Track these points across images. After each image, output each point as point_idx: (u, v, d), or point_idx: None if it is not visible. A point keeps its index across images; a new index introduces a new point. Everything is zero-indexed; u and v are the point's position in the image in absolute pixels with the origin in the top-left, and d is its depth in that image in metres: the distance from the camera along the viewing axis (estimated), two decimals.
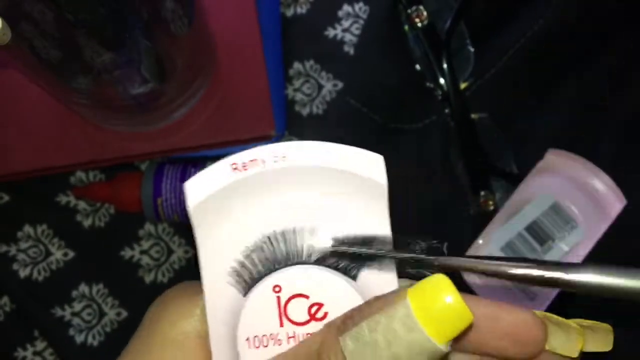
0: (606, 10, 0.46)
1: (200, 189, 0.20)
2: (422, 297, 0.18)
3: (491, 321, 0.19)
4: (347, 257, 0.20)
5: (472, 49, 0.47)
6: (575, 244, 0.41)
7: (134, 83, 0.37)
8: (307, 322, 0.20)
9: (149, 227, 0.49)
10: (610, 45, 0.46)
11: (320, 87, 0.50)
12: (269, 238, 0.20)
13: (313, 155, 0.20)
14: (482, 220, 0.44)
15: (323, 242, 0.20)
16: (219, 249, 0.20)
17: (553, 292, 0.41)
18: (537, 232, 0.41)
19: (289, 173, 0.20)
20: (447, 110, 0.46)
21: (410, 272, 0.20)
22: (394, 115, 0.48)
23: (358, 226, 0.20)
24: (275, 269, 0.20)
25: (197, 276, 0.21)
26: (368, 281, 0.20)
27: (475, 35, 0.47)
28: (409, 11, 0.46)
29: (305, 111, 0.50)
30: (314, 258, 0.20)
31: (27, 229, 0.49)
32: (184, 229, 0.49)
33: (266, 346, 0.20)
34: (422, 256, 0.20)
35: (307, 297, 0.20)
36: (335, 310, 0.20)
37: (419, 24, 0.46)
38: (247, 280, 0.20)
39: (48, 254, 0.49)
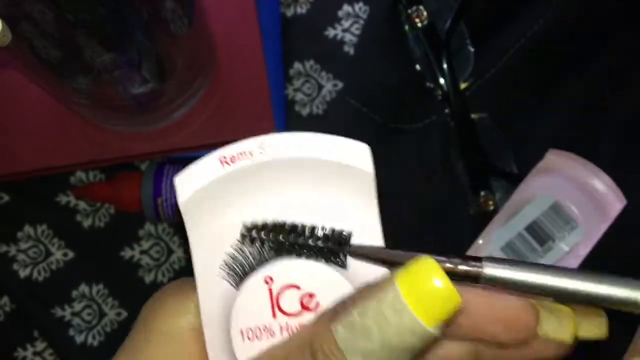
0: (606, 10, 0.46)
1: (190, 184, 0.20)
2: (410, 281, 0.18)
3: (483, 306, 0.19)
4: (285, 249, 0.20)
5: (472, 49, 0.47)
6: (575, 244, 0.41)
7: (134, 83, 0.37)
8: (300, 313, 0.20)
9: (149, 227, 0.49)
10: (610, 45, 0.46)
11: (320, 87, 0.50)
12: None
13: (300, 146, 0.20)
14: (482, 220, 0.43)
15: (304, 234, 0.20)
16: (211, 242, 0.21)
17: None
18: (537, 232, 0.41)
19: (278, 164, 0.20)
20: (447, 110, 0.46)
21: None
22: (394, 115, 0.48)
23: (346, 215, 0.20)
24: (267, 261, 0.20)
25: None
26: (359, 269, 0.20)
27: (475, 35, 0.47)
28: (409, 11, 0.46)
29: (305, 111, 0.50)
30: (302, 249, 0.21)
31: (27, 229, 0.49)
32: (184, 229, 0.49)
33: (259, 338, 0.20)
34: (334, 246, 0.20)
35: (298, 287, 0.20)
36: (327, 299, 0.20)
37: (419, 24, 0.46)
38: (240, 274, 0.20)
39: (48, 254, 0.49)
